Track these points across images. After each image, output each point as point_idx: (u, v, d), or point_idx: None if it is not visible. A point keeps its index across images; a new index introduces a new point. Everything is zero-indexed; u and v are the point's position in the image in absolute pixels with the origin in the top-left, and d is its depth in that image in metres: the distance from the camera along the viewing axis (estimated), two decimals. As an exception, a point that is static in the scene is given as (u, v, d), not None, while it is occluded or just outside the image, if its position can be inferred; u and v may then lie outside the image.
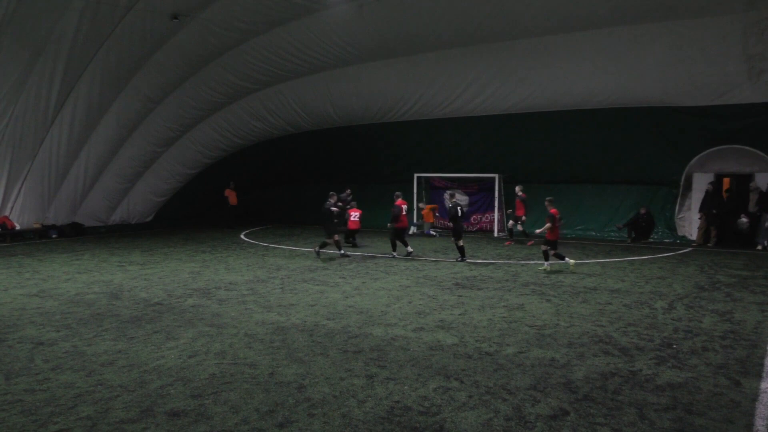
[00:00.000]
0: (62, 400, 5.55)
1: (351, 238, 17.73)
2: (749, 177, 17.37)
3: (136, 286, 11.55)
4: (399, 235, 15.65)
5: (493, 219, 20.98)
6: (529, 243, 17.86)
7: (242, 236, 21.00)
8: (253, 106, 23.13)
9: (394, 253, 15.59)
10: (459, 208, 14.79)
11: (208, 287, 11.33)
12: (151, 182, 23.66)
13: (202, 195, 25.63)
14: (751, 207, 16.80)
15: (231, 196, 24.96)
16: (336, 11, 16.96)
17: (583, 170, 19.94)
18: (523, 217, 18.13)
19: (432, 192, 22.78)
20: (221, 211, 24.96)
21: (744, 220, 13.25)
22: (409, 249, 15.58)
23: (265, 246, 18.18)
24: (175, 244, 18.50)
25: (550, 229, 12.93)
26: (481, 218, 21.62)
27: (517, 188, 18.32)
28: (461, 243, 14.67)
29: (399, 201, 15.88)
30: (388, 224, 15.76)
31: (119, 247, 17.90)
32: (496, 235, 20.59)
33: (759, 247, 11.80)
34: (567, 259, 13.02)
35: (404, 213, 15.70)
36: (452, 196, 14.90)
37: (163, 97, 20.67)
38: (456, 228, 14.72)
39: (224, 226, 23.88)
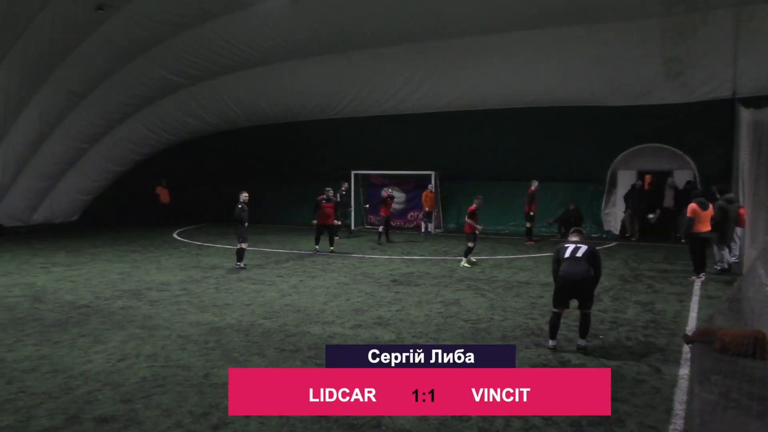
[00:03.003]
0: (-21, 410, 5.25)
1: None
2: (668, 173, 18.38)
3: (61, 288, 11.04)
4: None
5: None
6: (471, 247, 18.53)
7: (175, 235, 20.41)
8: (184, 101, 22.47)
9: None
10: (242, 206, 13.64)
11: (139, 288, 10.96)
12: (76, 180, 22.60)
13: (132, 193, 24.70)
14: (666, 202, 17.82)
15: (163, 194, 24.21)
16: (268, 5, 16.76)
17: (516, 167, 20.40)
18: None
19: (370, 189, 22.88)
20: (153, 209, 24.16)
21: (651, 216, 14.75)
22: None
23: (199, 245, 17.75)
24: (103, 244, 17.75)
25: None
26: (418, 215, 21.86)
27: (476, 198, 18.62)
28: (245, 246, 13.67)
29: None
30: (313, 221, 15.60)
31: (42, 247, 17.01)
32: (424, 230, 20.85)
33: (717, 267, 11.98)
34: None
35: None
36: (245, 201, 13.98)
37: (89, 92, 19.78)
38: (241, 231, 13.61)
39: (155, 224, 23.10)
